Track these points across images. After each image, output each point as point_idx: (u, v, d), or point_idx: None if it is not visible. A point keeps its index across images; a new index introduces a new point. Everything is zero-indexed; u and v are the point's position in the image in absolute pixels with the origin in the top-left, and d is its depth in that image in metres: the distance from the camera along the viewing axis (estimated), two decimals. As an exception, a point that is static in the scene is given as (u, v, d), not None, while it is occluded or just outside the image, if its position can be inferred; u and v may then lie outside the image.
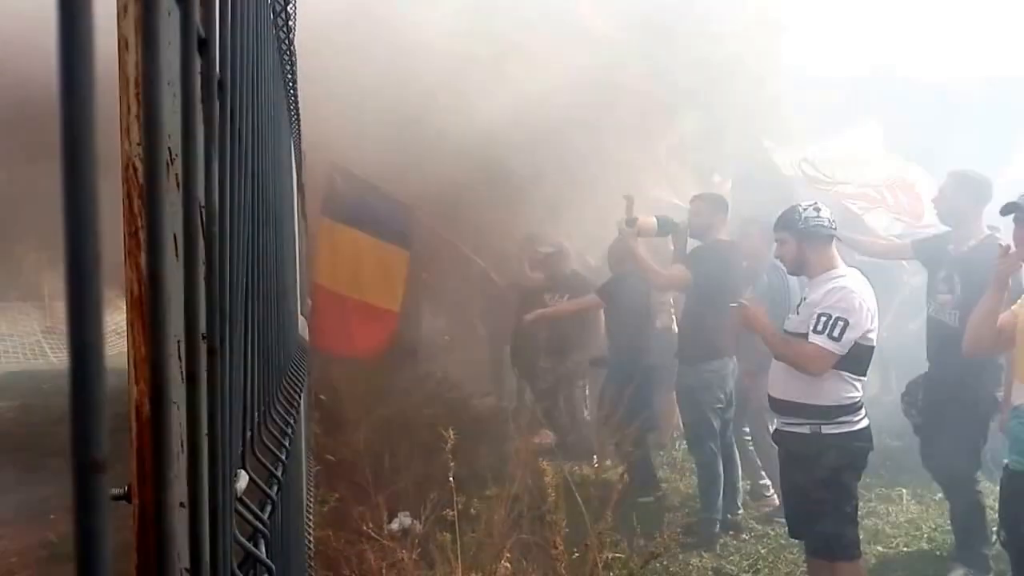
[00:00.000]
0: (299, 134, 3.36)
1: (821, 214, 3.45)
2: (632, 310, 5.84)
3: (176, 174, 0.83)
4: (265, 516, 0.98)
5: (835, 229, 3.48)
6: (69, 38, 0.31)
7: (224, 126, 0.76)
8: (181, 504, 0.66)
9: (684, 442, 5.79)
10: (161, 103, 0.56)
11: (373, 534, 3.86)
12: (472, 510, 3.71)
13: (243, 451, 1.02)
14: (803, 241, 3.45)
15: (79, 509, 0.32)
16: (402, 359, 7.64)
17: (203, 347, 0.65)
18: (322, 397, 6.18)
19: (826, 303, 3.27)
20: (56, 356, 9.73)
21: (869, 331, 3.29)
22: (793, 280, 4.52)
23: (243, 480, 0.91)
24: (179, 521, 0.70)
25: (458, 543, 3.35)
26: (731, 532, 5.06)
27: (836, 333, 3.20)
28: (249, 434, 1.09)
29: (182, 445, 0.68)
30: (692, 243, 5.25)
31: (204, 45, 0.65)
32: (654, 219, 5.17)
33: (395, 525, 4.37)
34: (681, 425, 5.70)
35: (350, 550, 3.86)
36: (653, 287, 5.39)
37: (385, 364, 7.34)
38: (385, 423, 5.79)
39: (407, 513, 4.47)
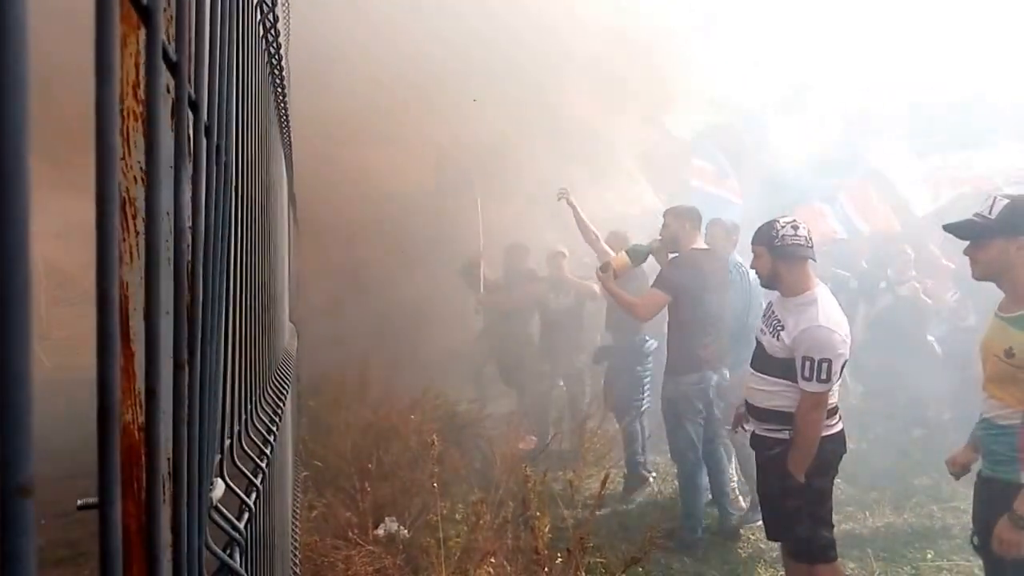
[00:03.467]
0: (290, 145, 3.39)
1: (799, 232, 3.43)
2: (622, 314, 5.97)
3: (165, 191, 0.87)
4: (242, 524, 1.01)
5: (811, 248, 3.46)
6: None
7: (198, 141, 0.79)
8: (156, 513, 0.70)
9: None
10: (128, 121, 0.60)
11: (359, 540, 3.88)
12: (457, 515, 3.74)
13: (221, 460, 1.05)
14: (778, 258, 3.43)
15: (5, 533, 0.31)
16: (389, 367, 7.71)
17: (171, 360, 0.69)
18: (310, 403, 6.21)
19: (806, 346, 3.27)
20: (50, 361, 9.71)
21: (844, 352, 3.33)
22: (754, 275, 4.49)
23: (219, 489, 0.94)
24: (152, 530, 0.73)
25: (442, 548, 3.38)
26: (725, 538, 5.09)
27: (824, 376, 3.23)
28: (228, 443, 1.12)
29: (147, 456, 0.71)
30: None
31: (176, 65, 0.68)
32: (624, 255, 5.19)
33: (381, 530, 4.40)
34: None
35: (336, 555, 3.88)
36: (638, 320, 5.39)
37: (373, 371, 7.40)
38: (372, 429, 5.81)
39: (393, 518, 4.50)
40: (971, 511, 3.09)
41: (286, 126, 2.96)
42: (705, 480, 5.17)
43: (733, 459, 5.54)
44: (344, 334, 8.15)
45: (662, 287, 4.97)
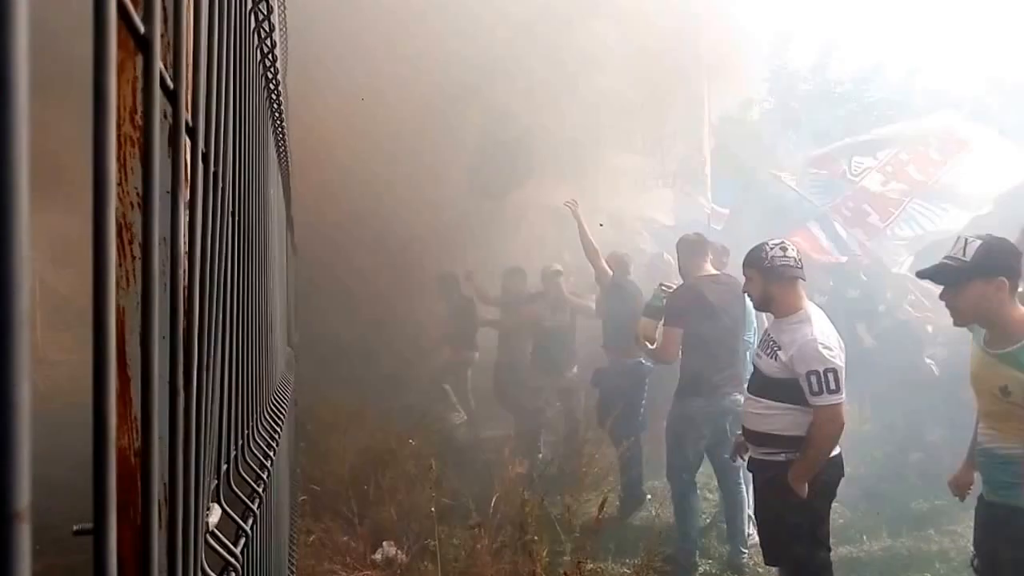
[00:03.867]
0: (288, 169, 3.41)
1: (787, 253, 3.48)
2: (625, 327, 6.02)
3: (161, 217, 0.88)
4: (238, 549, 1.01)
5: (800, 268, 3.52)
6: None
7: (195, 167, 0.80)
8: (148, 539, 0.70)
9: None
10: (125, 147, 0.61)
11: (356, 565, 3.86)
12: (455, 540, 3.72)
13: (218, 485, 1.06)
14: (768, 280, 3.49)
15: (1, 559, 0.31)
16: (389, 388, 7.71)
17: (168, 386, 0.69)
18: (308, 427, 6.19)
19: (806, 362, 3.29)
20: (44, 385, 9.67)
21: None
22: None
23: (215, 514, 0.95)
24: (149, 556, 0.74)
25: (438, 572, 3.36)
26: (732, 572, 5.01)
27: (833, 385, 3.25)
28: (225, 468, 1.12)
29: (142, 480, 0.71)
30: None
31: (173, 92, 0.69)
32: (644, 320, 5.24)
33: (379, 555, 4.38)
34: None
35: (334, 581, 3.87)
36: (669, 361, 5.32)
37: (371, 395, 7.39)
38: (370, 453, 5.80)
39: (391, 543, 4.48)
40: (969, 535, 3.08)
41: (284, 150, 2.98)
42: (699, 503, 5.16)
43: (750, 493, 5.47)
44: (342, 358, 8.14)
45: (669, 322, 5.04)
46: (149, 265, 0.59)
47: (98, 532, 0.49)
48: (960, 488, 3.25)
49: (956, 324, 2.97)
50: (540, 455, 6.98)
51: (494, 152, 8.59)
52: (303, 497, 4.88)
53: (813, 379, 3.26)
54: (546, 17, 8.22)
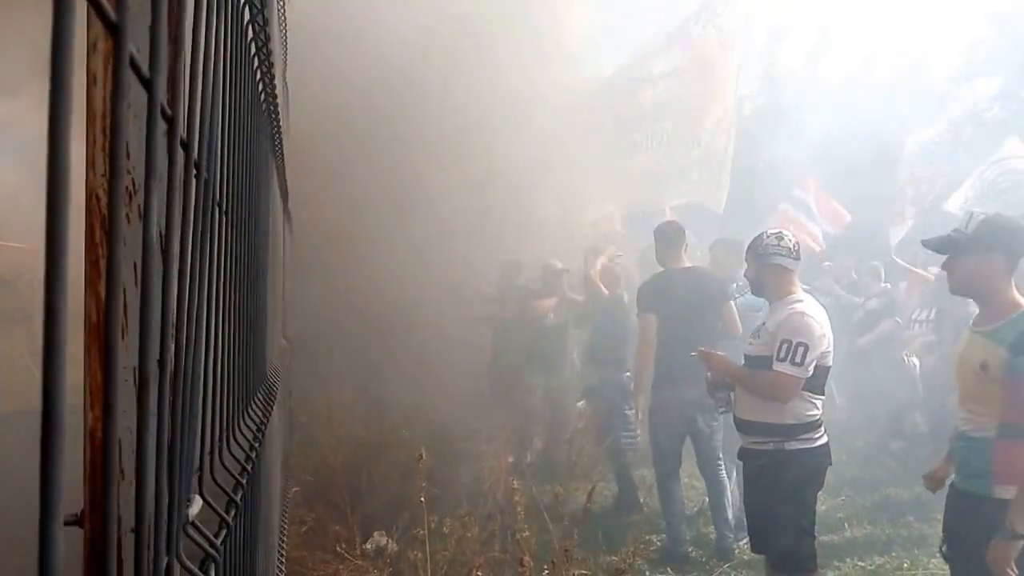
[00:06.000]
0: (283, 159, 3.40)
1: (782, 243, 3.61)
2: (612, 333, 6.13)
3: (138, 205, 0.89)
4: (219, 540, 1.02)
5: (795, 258, 3.60)
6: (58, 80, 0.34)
7: (174, 154, 0.81)
8: (132, 530, 0.71)
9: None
10: (126, 138, 0.61)
11: (347, 554, 3.88)
12: (445, 529, 3.75)
13: (200, 476, 1.06)
14: (762, 267, 3.62)
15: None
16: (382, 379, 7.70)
17: (157, 374, 0.70)
18: (302, 419, 6.21)
19: (785, 330, 3.41)
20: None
21: (826, 352, 3.45)
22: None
23: (196, 505, 0.96)
24: (127, 546, 0.75)
25: (428, 561, 3.39)
26: (719, 559, 5.05)
27: (798, 359, 3.34)
28: (208, 459, 1.13)
29: (122, 471, 0.72)
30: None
31: (149, 80, 0.69)
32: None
33: (370, 545, 4.40)
34: None
35: (325, 569, 3.89)
36: (651, 350, 5.29)
37: (365, 384, 7.39)
38: (363, 443, 5.81)
39: (382, 532, 4.50)
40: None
41: (278, 138, 2.97)
42: (680, 491, 5.23)
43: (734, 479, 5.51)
44: (337, 350, 8.13)
45: (642, 308, 5.13)
46: (114, 251, 0.60)
47: (44, 527, 0.50)
48: (935, 482, 3.29)
49: (951, 290, 3.11)
50: (530, 446, 7.00)
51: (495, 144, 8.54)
52: (296, 488, 4.90)
53: (784, 347, 3.36)
54: (545, 15, 8.23)
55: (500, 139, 8.15)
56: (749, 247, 3.75)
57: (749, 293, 4.99)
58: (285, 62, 3.91)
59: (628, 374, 6.18)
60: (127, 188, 0.81)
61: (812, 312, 3.46)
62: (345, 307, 8.60)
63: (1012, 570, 2.70)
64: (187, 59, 0.83)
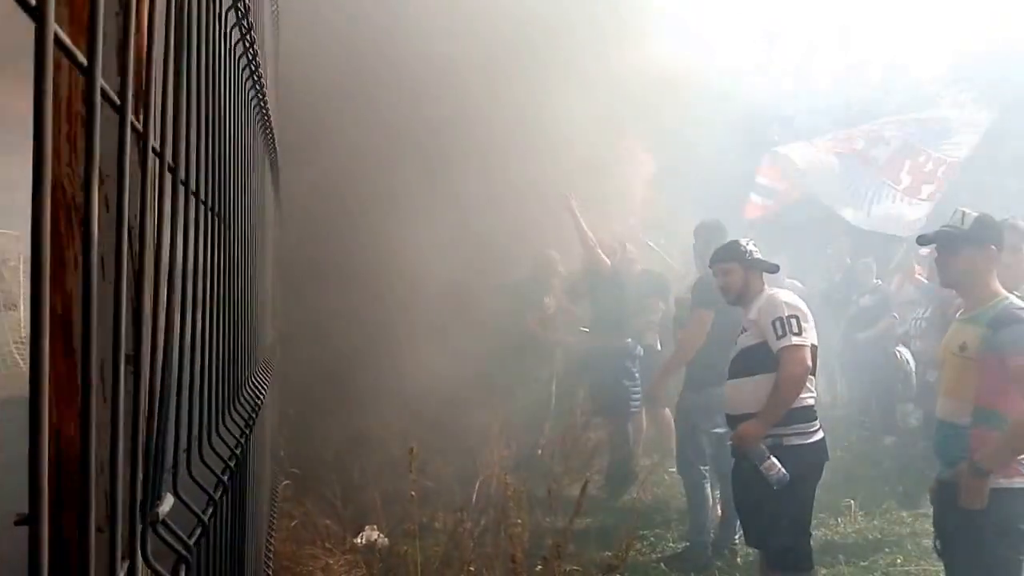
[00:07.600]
0: (275, 150, 3.37)
1: (755, 246, 3.91)
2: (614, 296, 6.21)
3: (106, 195, 0.87)
4: (192, 540, 1.00)
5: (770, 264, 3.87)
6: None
7: (146, 146, 0.78)
8: (98, 528, 0.69)
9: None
10: (93, 126, 0.59)
11: (337, 549, 3.87)
12: (437, 524, 3.73)
13: (175, 473, 1.04)
14: (748, 271, 3.81)
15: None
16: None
17: (119, 370, 0.68)
18: (290, 412, 6.18)
19: (770, 311, 3.53)
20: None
21: (812, 328, 3.56)
22: None
23: (167, 503, 0.93)
24: (90, 545, 0.72)
25: (418, 556, 3.37)
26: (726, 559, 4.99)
27: (796, 328, 3.45)
28: (185, 455, 1.11)
29: (85, 468, 0.70)
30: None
31: (121, 81, 0.67)
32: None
33: (361, 539, 4.38)
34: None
35: (315, 564, 3.86)
36: (685, 355, 5.17)
37: (356, 377, 7.35)
38: (356, 438, 5.79)
39: (373, 527, 4.48)
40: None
41: (269, 128, 2.93)
42: (711, 493, 5.14)
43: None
44: (329, 342, 8.10)
45: (699, 302, 4.99)
46: (88, 246, 0.58)
47: (33, 520, 0.48)
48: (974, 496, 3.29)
49: (942, 283, 3.36)
50: (525, 440, 6.97)
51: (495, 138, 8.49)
52: (286, 481, 4.88)
53: (777, 324, 3.47)
54: (545, 15, 8.18)
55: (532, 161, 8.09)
56: (729, 254, 3.89)
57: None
58: (277, 61, 3.88)
59: (630, 340, 6.22)
60: (92, 179, 0.78)
61: (788, 296, 3.67)
62: (338, 300, 8.57)
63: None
64: (159, 54, 0.80)
